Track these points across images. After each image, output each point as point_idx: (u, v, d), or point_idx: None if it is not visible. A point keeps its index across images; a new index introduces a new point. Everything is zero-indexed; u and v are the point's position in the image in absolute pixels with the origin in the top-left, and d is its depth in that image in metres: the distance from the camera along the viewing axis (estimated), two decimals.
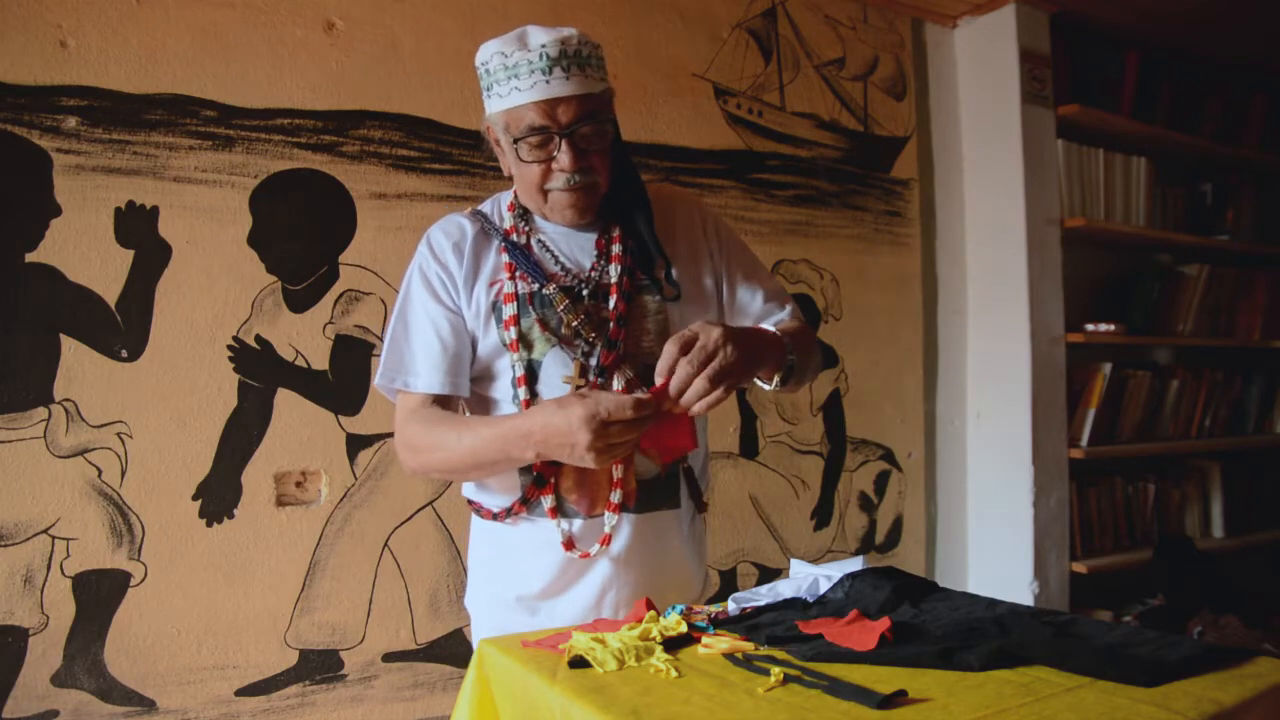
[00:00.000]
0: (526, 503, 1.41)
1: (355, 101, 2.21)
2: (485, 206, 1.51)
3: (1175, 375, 3.36)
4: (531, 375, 1.39)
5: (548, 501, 1.40)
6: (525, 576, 1.44)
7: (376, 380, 1.46)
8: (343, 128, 2.20)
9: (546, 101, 1.31)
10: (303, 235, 2.15)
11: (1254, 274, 3.61)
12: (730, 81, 2.76)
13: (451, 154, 2.31)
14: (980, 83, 3.14)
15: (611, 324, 1.39)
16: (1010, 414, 3.02)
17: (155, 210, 2.01)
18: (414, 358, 1.42)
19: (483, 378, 1.45)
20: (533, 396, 1.38)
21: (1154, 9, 3.06)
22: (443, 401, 1.43)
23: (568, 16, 2.47)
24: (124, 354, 1.98)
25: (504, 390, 1.43)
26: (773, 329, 1.43)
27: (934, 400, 3.19)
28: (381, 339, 2.22)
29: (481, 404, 1.47)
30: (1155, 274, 3.38)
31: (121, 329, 1.98)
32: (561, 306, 1.38)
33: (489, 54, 1.34)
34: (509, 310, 1.39)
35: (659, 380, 1.23)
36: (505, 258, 1.42)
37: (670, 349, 1.23)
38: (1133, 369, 3.23)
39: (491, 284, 1.42)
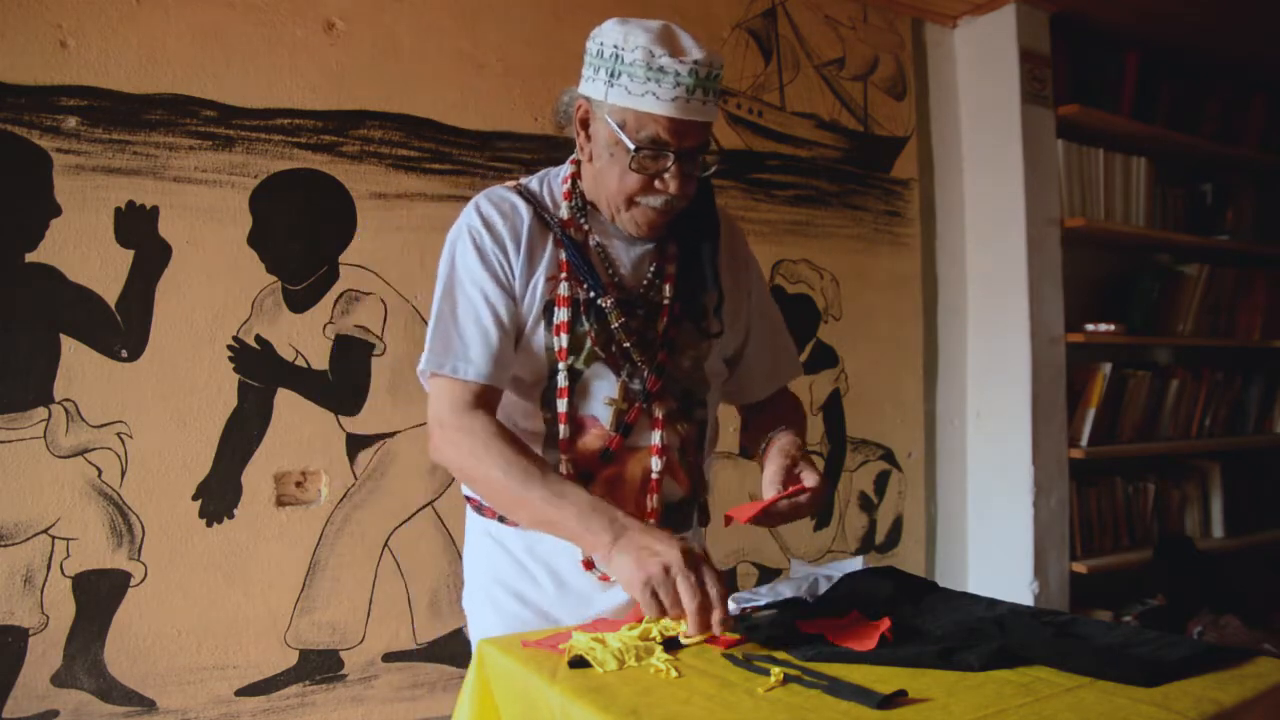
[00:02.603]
0: None
1: (355, 101, 2.21)
2: (533, 184, 1.42)
3: (1175, 375, 3.36)
4: (572, 387, 1.34)
5: None
6: (532, 585, 1.40)
7: (421, 365, 1.32)
8: (343, 128, 2.20)
9: (681, 121, 1.25)
10: (303, 235, 2.15)
11: (1254, 274, 3.60)
12: (730, 81, 2.76)
13: (451, 154, 2.31)
14: (980, 83, 3.14)
15: (661, 349, 1.36)
16: (1010, 414, 3.02)
17: (155, 210, 2.01)
18: (465, 342, 1.30)
19: (516, 373, 1.37)
20: (573, 410, 1.34)
21: (1154, 9, 3.06)
22: (487, 395, 1.32)
23: (568, 16, 2.47)
24: (124, 354, 1.97)
25: (534, 392, 1.36)
26: (793, 438, 1.40)
27: (934, 400, 3.19)
28: (381, 339, 2.22)
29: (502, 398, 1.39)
30: (1155, 274, 3.38)
31: (121, 329, 1.97)
32: (617, 323, 1.33)
33: (635, 43, 1.23)
34: (562, 315, 1.33)
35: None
36: (562, 254, 1.35)
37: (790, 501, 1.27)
38: (1133, 369, 3.23)
39: (549, 279, 1.34)
